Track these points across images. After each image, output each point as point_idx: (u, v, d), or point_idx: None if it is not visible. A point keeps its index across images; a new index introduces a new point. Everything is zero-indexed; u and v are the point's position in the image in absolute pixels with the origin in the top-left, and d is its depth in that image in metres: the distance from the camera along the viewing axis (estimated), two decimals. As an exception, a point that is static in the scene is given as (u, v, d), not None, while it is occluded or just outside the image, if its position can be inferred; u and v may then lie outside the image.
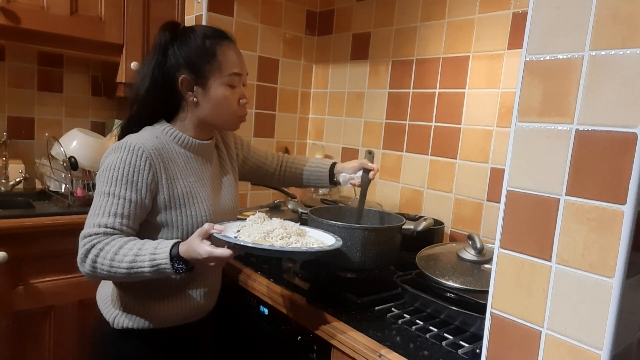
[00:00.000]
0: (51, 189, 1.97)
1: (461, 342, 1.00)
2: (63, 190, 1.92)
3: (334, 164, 1.43)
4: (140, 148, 1.05)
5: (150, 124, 1.16)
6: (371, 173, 1.35)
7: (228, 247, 0.97)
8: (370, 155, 1.39)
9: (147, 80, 1.12)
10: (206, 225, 0.98)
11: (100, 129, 2.31)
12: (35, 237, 1.61)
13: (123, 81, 1.99)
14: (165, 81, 1.11)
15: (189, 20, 1.88)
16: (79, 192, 1.82)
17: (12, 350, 1.61)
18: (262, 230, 1.04)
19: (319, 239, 1.11)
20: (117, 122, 2.23)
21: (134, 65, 1.96)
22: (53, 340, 1.69)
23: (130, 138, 1.08)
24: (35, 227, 1.60)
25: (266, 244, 1.01)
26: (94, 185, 1.88)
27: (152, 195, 1.07)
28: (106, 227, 1.00)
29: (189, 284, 1.16)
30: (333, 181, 1.42)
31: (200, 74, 1.11)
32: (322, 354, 1.09)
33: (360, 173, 1.36)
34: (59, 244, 1.66)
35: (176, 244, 0.98)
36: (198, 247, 0.95)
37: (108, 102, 2.33)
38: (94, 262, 0.98)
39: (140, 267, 0.97)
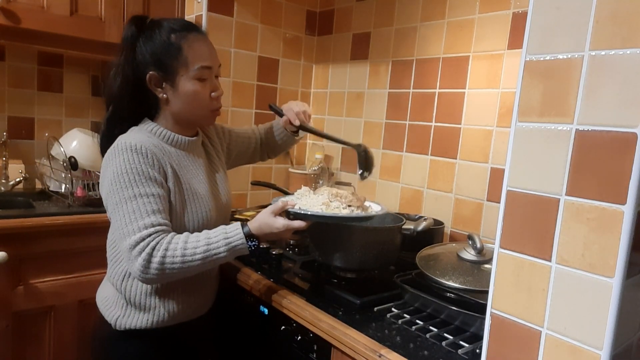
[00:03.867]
0: (51, 189, 1.96)
1: (461, 342, 1.00)
2: (63, 190, 1.92)
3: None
4: (143, 146, 1.04)
5: (135, 123, 1.14)
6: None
7: (295, 219, 1.08)
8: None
9: (119, 78, 1.10)
10: (280, 202, 1.09)
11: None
12: (35, 237, 1.61)
13: (123, 81, 1.99)
14: (137, 78, 1.09)
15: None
16: (79, 192, 1.82)
17: (12, 350, 1.61)
18: (320, 202, 1.14)
19: (367, 205, 1.24)
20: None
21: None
22: (53, 340, 1.69)
23: (126, 139, 1.05)
24: (35, 227, 1.60)
25: (345, 212, 1.13)
26: (94, 185, 1.89)
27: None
28: (153, 225, 0.99)
29: (190, 280, 1.15)
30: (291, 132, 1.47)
31: (168, 70, 1.08)
32: (322, 354, 1.09)
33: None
34: (59, 244, 1.66)
35: (244, 224, 1.06)
36: (274, 222, 1.06)
37: (108, 102, 2.32)
38: (162, 263, 0.97)
39: (216, 254, 1.02)
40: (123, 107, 1.13)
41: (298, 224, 1.07)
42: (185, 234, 1.03)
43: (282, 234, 1.08)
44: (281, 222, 1.06)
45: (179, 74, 1.09)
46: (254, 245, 1.06)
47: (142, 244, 0.97)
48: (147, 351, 1.14)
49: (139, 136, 1.09)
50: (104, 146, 1.13)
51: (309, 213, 1.10)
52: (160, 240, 0.98)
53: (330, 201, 1.14)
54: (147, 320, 1.11)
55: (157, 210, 1.01)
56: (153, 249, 0.96)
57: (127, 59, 1.10)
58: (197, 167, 1.18)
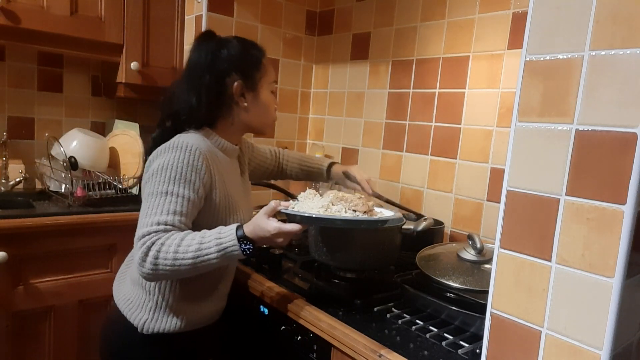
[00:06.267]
0: (51, 189, 1.96)
1: (461, 342, 1.00)
2: (63, 190, 1.92)
3: (331, 164, 1.52)
4: (197, 149, 1.06)
5: (198, 128, 1.15)
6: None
7: (292, 222, 1.01)
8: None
9: (203, 85, 1.12)
10: (272, 203, 1.02)
11: (100, 129, 2.30)
12: (35, 237, 1.61)
13: (123, 81, 1.99)
14: (218, 85, 1.13)
15: (189, 21, 1.89)
16: (79, 192, 1.82)
17: (12, 350, 1.61)
18: (320, 205, 1.07)
19: (378, 211, 1.17)
20: (117, 122, 2.23)
21: (134, 65, 1.96)
22: (53, 340, 1.69)
23: (182, 138, 1.08)
24: (35, 227, 1.60)
25: (349, 215, 1.06)
26: (94, 185, 1.89)
27: (205, 195, 1.08)
28: (165, 224, 0.99)
29: (218, 283, 1.17)
30: (329, 178, 1.52)
31: (252, 80, 1.16)
32: (322, 354, 1.09)
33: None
34: (59, 244, 1.66)
35: (240, 226, 1.00)
36: (266, 224, 0.99)
37: (108, 102, 2.32)
38: (156, 258, 0.96)
39: (207, 255, 0.97)
40: (201, 112, 1.13)
41: (290, 227, 1.00)
42: (186, 232, 1.00)
43: (274, 238, 1.00)
44: (272, 225, 0.99)
45: (260, 84, 1.18)
46: (249, 249, 0.99)
47: (146, 237, 0.97)
48: (171, 356, 1.14)
49: (197, 138, 1.11)
50: (158, 142, 1.12)
51: (304, 215, 1.01)
52: (161, 236, 0.98)
53: (333, 204, 1.07)
54: (176, 324, 1.11)
55: (178, 212, 1.01)
56: (153, 243, 0.97)
57: (210, 69, 1.13)
58: (236, 175, 1.23)
